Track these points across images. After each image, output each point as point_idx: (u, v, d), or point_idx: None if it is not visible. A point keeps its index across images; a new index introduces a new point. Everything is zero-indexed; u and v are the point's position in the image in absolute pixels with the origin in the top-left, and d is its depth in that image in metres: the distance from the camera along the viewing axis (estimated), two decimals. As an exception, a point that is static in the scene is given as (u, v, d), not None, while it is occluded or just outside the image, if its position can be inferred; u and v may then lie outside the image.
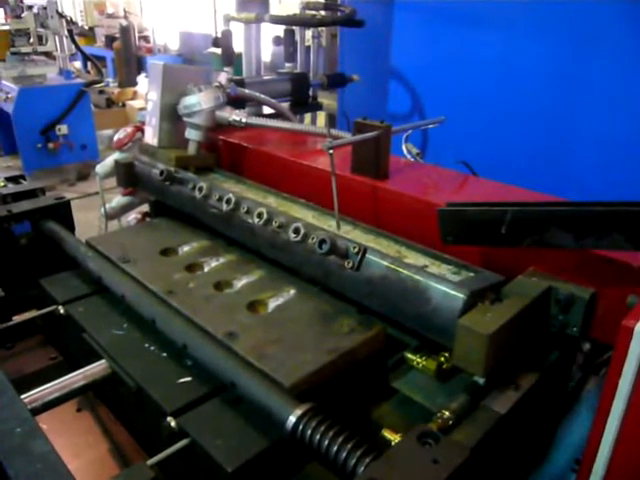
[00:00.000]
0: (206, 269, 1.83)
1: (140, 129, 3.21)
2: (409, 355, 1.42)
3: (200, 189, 1.93)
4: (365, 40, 4.20)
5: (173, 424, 1.27)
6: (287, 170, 2.04)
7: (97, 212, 3.85)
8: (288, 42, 3.35)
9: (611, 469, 1.08)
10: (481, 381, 1.27)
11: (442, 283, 1.32)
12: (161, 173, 2.07)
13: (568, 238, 1.23)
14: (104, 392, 1.68)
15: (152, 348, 1.55)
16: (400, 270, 1.39)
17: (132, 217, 3.40)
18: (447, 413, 1.18)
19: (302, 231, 1.57)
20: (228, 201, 1.82)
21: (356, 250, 1.47)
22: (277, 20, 3.20)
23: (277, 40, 3.47)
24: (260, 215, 1.71)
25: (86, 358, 1.57)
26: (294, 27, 3.37)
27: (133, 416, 1.58)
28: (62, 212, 2.13)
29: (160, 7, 12.76)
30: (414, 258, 1.52)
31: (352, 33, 4.14)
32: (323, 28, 3.78)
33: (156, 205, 2.35)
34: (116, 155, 3.19)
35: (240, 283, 1.74)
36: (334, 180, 1.58)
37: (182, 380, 1.42)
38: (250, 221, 1.75)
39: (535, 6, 3.24)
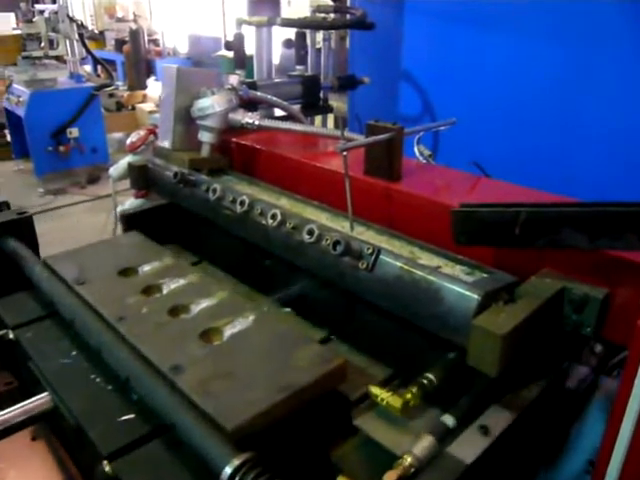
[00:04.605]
0: (165, 291, 1.69)
1: (153, 132, 3.25)
2: (373, 390, 1.38)
3: (214, 191, 1.95)
4: (375, 42, 4.21)
5: (107, 469, 1.18)
6: (300, 172, 2.05)
7: (107, 215, 3.88)
8: (299, 45, 3.37)
9: (626, 470, 1.08)
10: (450, 422, 1.25)
11: (456, 284, 1.32)
12: (175, 175, 2.09)
13: (582, 239, 1.23)
14: (53, 424, 1.57)
15: (98, 380, 1.42)
16: (414, 271, 1.39)
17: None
18: (409, 459, 1.15)
19: (316, 232, 1.58)
20: (242, 203, 1.84)
21: (370, 251, 1.48)
22: (289, 23, 3.22)
23: (288, 43, 3.49)
24: (274, 217, 1.73)
25: (34, 387, 1.46)
26: (305, 30, 3.39)
27: (77, 453, 1.49)
28: (24, 228, 1.98)
29: (169, 10, 12.83)
30: (427, 259, 1.53)
31: (362, 35, 4.15)
32: (333, 30, 3.79)
33: (128, 219, 2.27)
34: (129, 158, 3.22)
35: (198, 307, 1.60)
36: (348, 182, 1.59)
37: (124, 418, 1.30)
38: (264, 222, 1.76)
39: (547, 7, 3.24)
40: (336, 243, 1.50)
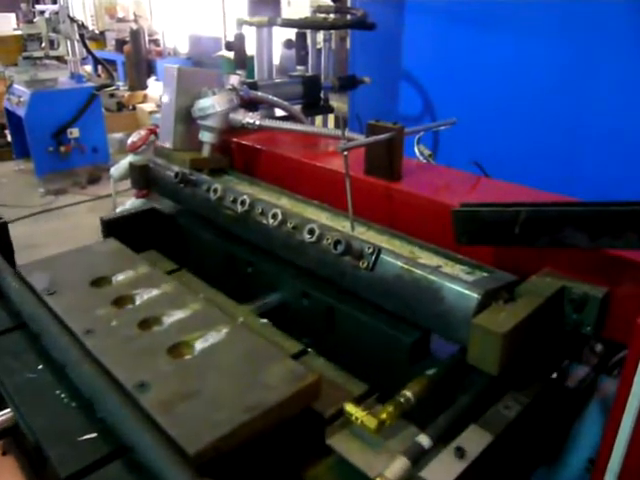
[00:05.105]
0: (137, 302, 1.62)
1: (153, 132, 3.25)
2: (348, 408, 1.33)
3: (215, 191, 1.95)
4: (376, 42, 4.22)
5: None
6: (301, 172, 2.06)
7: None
8: (300, 45, 3.38)
9: (626, 466, 1.09)
10: (426, 443, 1.21)
11: (456, 283, 1.33)
12: (176, 175, 2.09)
13: (583, 238, 1.23)
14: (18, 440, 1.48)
15: (63, 396, 1.34)
16: (414, 270, 1.40)
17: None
18: None
19: (317, 232, 1.58)
20: (243, 202, 1.84)
21: (370, 251, 1.48)
22: (289, 24, 3.22)
23: (289, 43, 3.49)
24: (275, 216, 1.73)
25: (1, 403, 1.40)
26: (306, 30, 3.39)
27: (40, 471, 1.40)
28: None
29: (170, 11, 12.84)
30: (428, 258, 1.53)
31: (363, 35, 4.16)
32: (333, 31, 3.80)
33: (108, 225, 2.23)
34: (130, 158, 3.22)
35: (170, 320, 1.53)
36: (348, 182, 1.59)
37: (86, 437, 1.22)
38: (265, 222, 1.77)
39: (547, 7, 3.25)
40: (337, 242, 1.50)
